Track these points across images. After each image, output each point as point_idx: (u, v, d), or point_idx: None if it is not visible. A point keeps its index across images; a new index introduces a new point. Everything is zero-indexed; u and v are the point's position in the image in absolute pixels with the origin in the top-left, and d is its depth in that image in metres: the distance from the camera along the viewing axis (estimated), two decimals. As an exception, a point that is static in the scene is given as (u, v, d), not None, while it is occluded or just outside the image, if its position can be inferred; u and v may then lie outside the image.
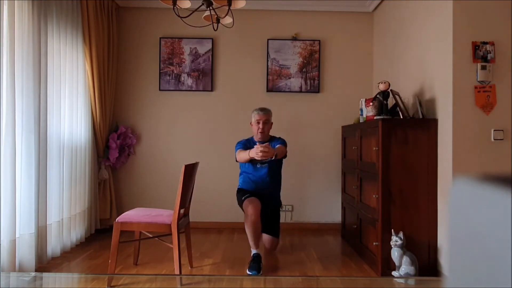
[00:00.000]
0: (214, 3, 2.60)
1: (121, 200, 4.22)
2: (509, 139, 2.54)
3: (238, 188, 3.25)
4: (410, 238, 2.66)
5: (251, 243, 2.87)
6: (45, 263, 2.89)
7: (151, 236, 2.82)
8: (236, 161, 3.16)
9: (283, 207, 4.02)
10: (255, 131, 3.16)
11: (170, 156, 4.24)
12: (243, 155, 2.97)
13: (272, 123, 3.23)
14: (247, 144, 3.17)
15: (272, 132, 3.31)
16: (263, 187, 3.13)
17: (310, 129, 4.28)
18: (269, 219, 3.15)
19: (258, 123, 3.11)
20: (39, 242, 2.82)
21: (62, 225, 3.18)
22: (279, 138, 3.24)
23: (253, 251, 2.88)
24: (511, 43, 2.56)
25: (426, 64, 2.96)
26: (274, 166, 3.15)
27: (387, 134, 2.71)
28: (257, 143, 3.06)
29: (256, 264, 2.79)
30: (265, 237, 3.21)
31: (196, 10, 2.75)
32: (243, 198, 3.03)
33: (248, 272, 2.77)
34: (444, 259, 2.63)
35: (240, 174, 3.27)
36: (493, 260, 0.22)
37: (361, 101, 3.36)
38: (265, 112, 3.14)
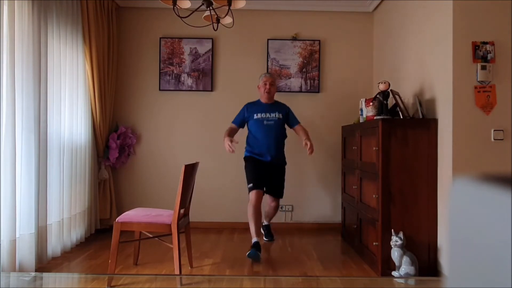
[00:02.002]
0: (214, 3, 2.60)
1: (121, 200, 4.22)
2: (509, 139, 2.54)
3: (245, 156, 3.42)
4: (410, 238, 2.66)
5: (252, 230, 3.05)
6: (45, 263, 2.89)
7: (151, 236, 2.82)
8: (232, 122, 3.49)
9: (282, 207, 4.09)
10: (262, 92, 3.44)
11: (170, 156, 4.24)
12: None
13: (276, 87, 3.58)
14: (253, 107, 3.43)
15: None
16: (269, 143, 3.33)
17: (310, 129, 4.24)
18: (274, 179, 3.37)
19: (266, 84, 3.40)
20: (39, 242, 2.82)
21: (62, 225, 3.18)
22: (284, 105, 3.53)
23: (254, 239, 3.05)
24: (511, 43, 2.56)
25: (426, 64, 2.96)
26: (279, 122, 3.42)
27: (387, 134, 2.71)
28: (262, 106, 3.42)
29: (255, 249, 2.96)
30: (268, 198, 3.40)
31: (196, 10, 2.75)
32: (249, 186, 3.21)
33: (248, 257, 2.92)
34: (444, 259, 2.63)
35: (248, 136, 3.45)
36: (493, 260, 0.22)
37: (361, 101, 3.36)
38: (272, 75, 3.53)
